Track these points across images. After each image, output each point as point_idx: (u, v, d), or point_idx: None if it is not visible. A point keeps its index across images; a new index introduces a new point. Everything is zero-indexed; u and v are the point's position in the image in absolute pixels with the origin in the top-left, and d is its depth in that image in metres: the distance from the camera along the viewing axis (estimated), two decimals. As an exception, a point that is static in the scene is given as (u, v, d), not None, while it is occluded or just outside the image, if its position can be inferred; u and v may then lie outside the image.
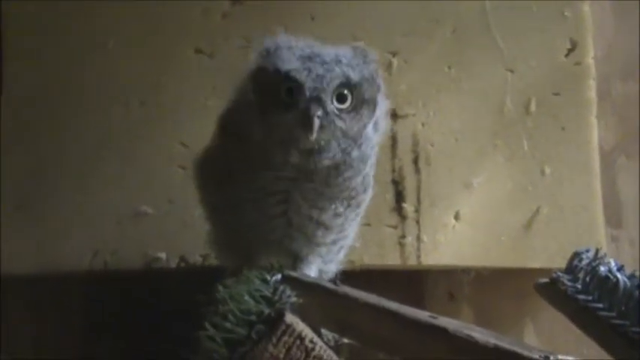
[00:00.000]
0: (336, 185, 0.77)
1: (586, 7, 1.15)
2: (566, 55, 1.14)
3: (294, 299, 0.62)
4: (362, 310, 0.63)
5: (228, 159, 0.80)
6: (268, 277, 0.70)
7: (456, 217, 1.11)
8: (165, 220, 1.09)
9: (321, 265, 0.84)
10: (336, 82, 0.72)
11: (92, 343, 1.12)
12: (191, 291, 0.95)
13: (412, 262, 1.10)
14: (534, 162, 1.13)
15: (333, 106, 0.72)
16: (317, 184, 0.76)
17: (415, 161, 1.12)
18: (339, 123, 0.73)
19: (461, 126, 1.13)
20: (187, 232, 1.07)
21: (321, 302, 0.66)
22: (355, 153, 0.76)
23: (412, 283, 1.17)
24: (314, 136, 0.71)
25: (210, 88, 1.12)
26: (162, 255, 1.08)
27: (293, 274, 0.70)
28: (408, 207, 1.11)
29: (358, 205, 0.82)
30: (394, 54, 1.14)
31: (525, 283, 1.16)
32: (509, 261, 1.12)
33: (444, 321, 0.61)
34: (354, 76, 0.73)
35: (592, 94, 1.14)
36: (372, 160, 0.81)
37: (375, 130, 0.79)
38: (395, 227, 1.10)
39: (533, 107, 1.13)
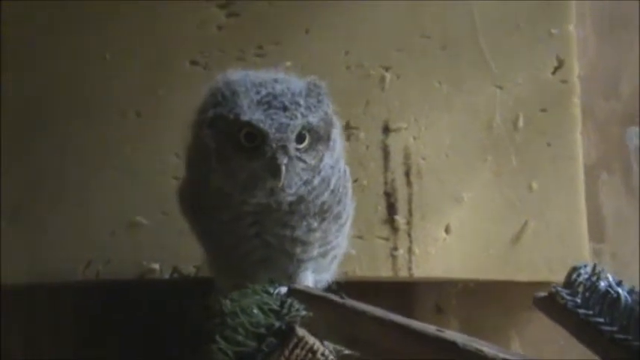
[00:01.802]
0: (300, 210, 0.79)
1: (571, 27, 1.18)
2: (553, 73, 1.17)
3: (303, 312, 0.63)
4: (370, 323, 0.64)
5: (195, 191, 0.83)
6: (272, 290, 0.71)
7: (447, 230, 1.13)
8: (160, 231, 1.09)
9: (316, 276, 0.86)
10: (298, 129, 0.74)
11: (85, 353, 1.11)
12: (184, 302, 0.96)
13: (404, 274, 1.11)
14: (522, 177, 1.15)
15: (293, 148, 0.75)
16: (281, 213, 0.79)
17: (407, 174, 1.14)
18: (300, 162, 0.76)
19: (451, 141, 1.15)
20: (181, 243, 1.06)
21: (327, 315, 0.67)
22: (316, 181, 0.78)
23: (401, 295, 1.19)
24: (282, 182, 0.74)
25: (205, 100, 1.13)
26: (156, 266, 1.08)
27: (299, 287, 0.71)
28: (400, 219, 1.12)
29: (338, 216, 0.84)
30: (387, 69, 1.15)
31: (511, 295, 1.20)
32: (497, 274, 1.14)
33: (450, 334, 0.62)
34: (313, 120, 0.75)
35: (577, 111, 1.17)
36: (339, 174, 0.83)
37: (332, 149, 0.80)
38: (387, 239, 1.12)
39: (521, 123, 1.16)
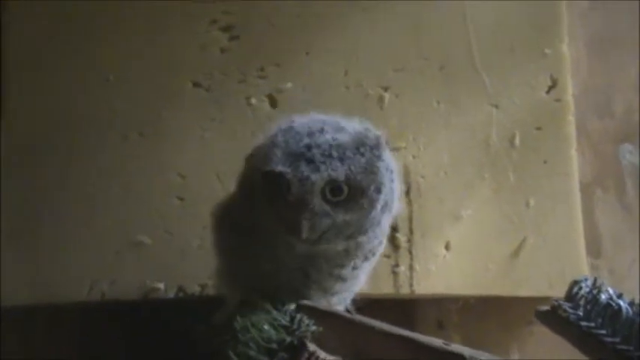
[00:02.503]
0: (350, 255, 0.79)
1: (564, 47, 1.21)
2: (547, 92, 1.19)
3: (314, 328, 0.64)
4: (378, 337, 0.65)
5: (249, 217, 0.80)
6: (281, 307, 0.72)
7: (447, 247, 1.14)
8: (164, 250, 1.09)
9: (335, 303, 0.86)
10: (321, 182, 0.71)
11: (90, 374, 1.12)
12: (189, 321, 0.96)
13: (405, 290, 1.13)
14: (520, 194, 1.17)
15: (322, 203, 0.72)
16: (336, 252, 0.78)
17: (407, 193, 1.15)
18: (332, 218, 0.73)
19: (450, 159, 1.17)
20: (185, 262, 1.08)
21: (336, 330, 0.68)
22: (362, 238, 0.77)
23: (403, 311, 1.20)
24: (304, 235, 0.73)
25: (207, 121, 1.15)
26: (161, 285, 1.09)
27: (308, 303, 0.72)
28: (401, 237, 1.14)
29: (374, 255, 0.84)
30: (386, 89, 1.18)
31: (511, 311, 1.21)
32: (496, 289, 1.15)
33: (457, 347, 0.63)
34: (341, 175, 0.71)
35: (571, 129, 1.19)
36: (385, 227, 0.82)
37: (387, 211, 0.79)
38: (388, 257, 1.13)
39: (517, 141, 1.18)
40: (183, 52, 1.16)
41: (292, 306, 0.71)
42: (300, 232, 0.72)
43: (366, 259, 0.82)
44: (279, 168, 0.71)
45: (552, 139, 1.19)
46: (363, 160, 0.73)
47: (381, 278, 1.12)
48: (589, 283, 0.73)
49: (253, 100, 1.16)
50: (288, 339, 0.62)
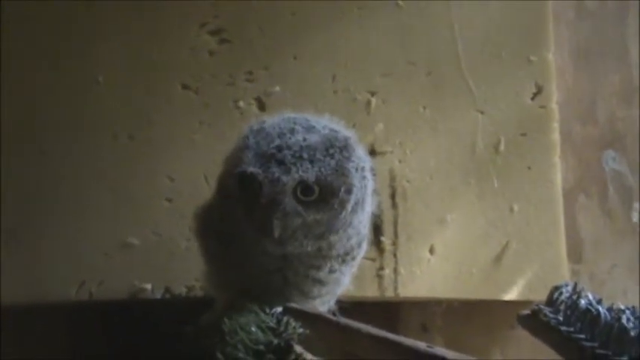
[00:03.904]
0: (324, 256, 0.80)
1: (549, 55, 1.23)
2: (532, 99, 1.21)
3: (301, 330, 0.65)
4: (364, 340, 0.67)
5: (226, 220, 0.81)
6: (268, 310, 0.73)
7: (431, 251, 1.16)
8: (152, 252, 1.10)
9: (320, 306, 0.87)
10: (292, 183, 0.73)
11: (77, 374, 1.12)
12: (176, 321, 0.97)
13: (390, 293, 1.14)
14: (503, 199, 1.18)
15: (293, 202, 0.73)
16: (311, 253, 0.79)
17: (392, 196, 1.16)
18: (303, 217, 0.74)
19: (435, 164, 1.18)
20: (173, 264, 1.08)
21: (322, 333, 0.69)
22: (333, 238, 0.79)
23: (387, 314, 1.21)
24: (275, 235, 0.73)
25: (196, 123, 1.16)
26: (148, 286, 1.09)
27: (294, 305, 0.73)
28: (386, 240, 1.15)
29: (353, 259, 0.85)
30: (373, 94, 1.19)
31: (494, 314, 1.23)
32: (480, 293, 1.17)
33: (440, 350, 0.65)
34: (311, 175, 0.73)
35: (556, 136, 1.21)
36: (361, 225, 0.83)
37: (358, 210, 0.80)
38: (373, 260, 1.14)
39: (502, 147, 1.19)
40: (173, 54, 1.17)
41: (279, 309, 0.72)
42: (271, 231, 0.73)
43: (343, 262, 0.82)
44: (251, 169, 0.72)
45: (536, 146, 1.20)
46: (332, 161, 0.74)
47: (366, 281, 1.13)
48: (569, 288, 0.74)
49: (241, 103, 1.17)
50: (276, 341, 0.63)
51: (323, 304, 0.87)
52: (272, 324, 0.67)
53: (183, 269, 1.03)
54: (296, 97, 1.17)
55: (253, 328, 0.65)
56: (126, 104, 1.16)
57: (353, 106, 1.18)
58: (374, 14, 1.20)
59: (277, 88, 1.17)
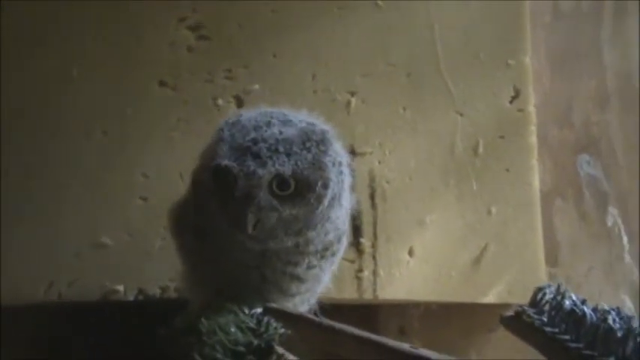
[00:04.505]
0: (301, 252, 0.79)
1: (527, 59, 1.23)
2: (510, 102, 1.21)
3: (282, 331, 0.64)
4: (347, 341, 0.65)
5: (201, 214, 0.80)
6: (247, 310, 0.71)
7: (410, 252, 1.15)
8: (124, 252, 1.08)
9: (299, 305, 0.86)
10: (268, 177, 0.72)
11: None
12: (149, 323, 0.94)
13: (369, 295, 1.13)
14: (482, 201, 1.18)
15: (269, 197, 0.72)
16: (287, 249, 0.78)
17: (372, 197, 1.16)
18: (279, 212, 0.73)
19: (415, 165, 1.18)
20: (146, 264, 1.06)
21: (304, 333, 0.67)
22: (311, 234, 0.77)
23: (365, 317, 1.20)
24: (250, 229, 0.72)
25: (174, 121, 1.14)
26: (120, 287, 1.07)
27: (274, 306, 0.71)
28: (365, 242, 1.14)
29: (333, 254, 0.83)
30: (352, 94, 1.18)
31: (472, 317, 1.22)
32: (459, 296, 1.16)
33: (424, 351, 0.64)
34: (287, 169, 0.72)
35: (533, 139, 1.21)
36: (340, 220, 0.82)
37: (336, 205, 0.79)
38: (352, 262, 1.13)
39: (481, 149, 1.19)
40: (150, 49, 1.15)
41: (259, 309, 0.70)
42: (245, 226, 0.72)
43: (322, 257, 0.81)
44: (225, 162, 0.71)
45: (514, 148, 1.20)
46: (309, 155, 0.73)
47: (345, 283, 1.12)
48: (553, 289, 0.74)
49: (220, 101, 1.15)
50: (256, 342, 0.61)
51: (303, 302, 0.86)
52: (252, 324, 0.65)
53: (158, 270, 1.01)
54: (275, 95, 1.15)
55: (232, 329, 0.63)
56: (101, 99, 1.13)
57: (333, 106, 1.17)
58: (354, 14, 1.19)
59: (256, 87, 1.15)
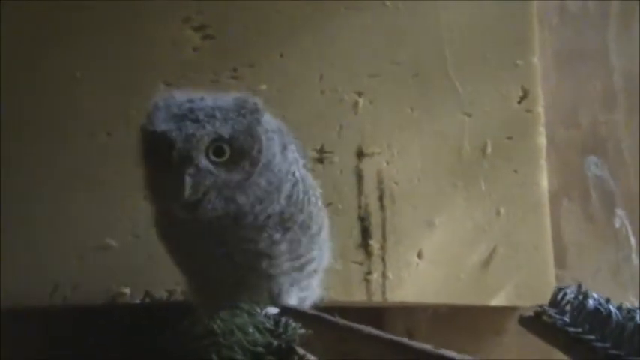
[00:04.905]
0: (247, 223, 0.78)
1: (535, 59, 1.22)
2: (519, 102, 1.20)
3: (302, 331, 0.62)
4: (367, 341, 0.64)
5: (157, 216, 0.84)
6: (259, 310, 0.70)
7: (419, 255, 1.14)
8: (130, 254, 1.06)
9: (298, 293, 0.85)
10: (207, 139, 0.73)
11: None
12: (156, 327, 0.93)
13: (377, 298, 1.11)
14: (490, 202, 1.17)
15: (206, 161, 0.74)
16: (238, 227, 0.78)
17: (380, 199, 1.14)
18: (215, 177, 0.74)
19: (422, 166, 1.16)
20: (153, 266, 1.04)
21: (321, 334, 0.66)
22: (242, 199, 0.77)
23: (372, 320, 1.17)
24: (187, 192, 0.73)
25: (178, 121, 1.12)
26: (127, 290, 1.06)
27: (291, 305, 0.70)
28: (374, 244, 1.12)
29: (305, 227, 0.83)
30: (360, 94, 1.17)
31: (480, 320, 1.21)
32: (468, 298, 1.15)
33: (447, 352, 0.62)
34: (225, 132, 0.74)
35: (542, 139, 1.20)
36: (292, 181, 0.82)
37: (265, 172, 0.79)
38: (361, 264, 1.12)
39: (489, 150, 1.18)
40: (155, 49, 1.14)
41: (272, 310, 0.69)
42: (183, 189, 0.73)
43: (286, 229, 0.81)
44: (163, 127, 0.73)
45: (523, 149, 1.19)
46: (244, 121, 0.76)
47: (354, 285, 1.11)
48: (573, 289, 0.73)
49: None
50: (275, 342, 0.60)
51: (300, 281, 0.85)
52: (269, 325, 0.63)
53: (164, 272, 0.98)
54: (282, 96, 1.14)
55: (250, 329, 0.61)
56: (105, 101, 1.12)
57: (340, 106, 1.16)
58: (361, 14, 1.18)
59: (263, 87, 1.14)
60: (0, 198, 1.07)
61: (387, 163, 1.15)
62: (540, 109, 1.21)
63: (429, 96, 1.18)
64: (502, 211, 1.17)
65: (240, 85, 1.13)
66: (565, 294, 0.72)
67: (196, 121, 0.73)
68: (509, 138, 1.19)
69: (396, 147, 1.16)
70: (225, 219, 0.77)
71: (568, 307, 0.70)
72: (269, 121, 0.81)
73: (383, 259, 1.12)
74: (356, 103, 1.16)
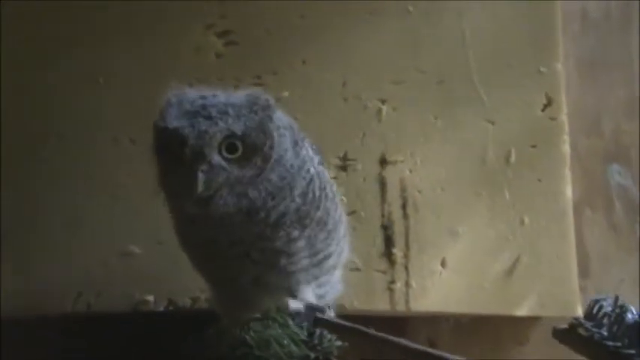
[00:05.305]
0: (259, 220, 0.78)
1: (559, 66, 1.21)
2: (542, 110, 1.19)
3: (339, 343, 0.61)
4: (402, 353, 0.63)
5: (175, 221, 0.84)
6: (290, 321, 0.69)
7: (443, 263, 1.13)
8: (154, 261, 1.06)
9: (316, 290, 0.85)
10: (219, 136, 0.73)
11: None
12: (180, 335, 0.92)
13: (401, 307, 1.10)
14: (514, 211, 1.16)
15: (219, 158, 0.74)
16: (252, 225, 0.78)
17: (403, 207, 1.13)
18: (228, 173, 0.75)
19: (446, 174, 1.15)
20: (177, 274, 1.03)
21: (357, 346, 0.65)
22: (254, 194, 0.77)
23: (394, 329, 1.16)
24: (199, 189, 0.73)
25: (202, 128, 1.11)
26: (150, 297, 1.05)
27: (324, 317, 0.69)
28: (397, 252, 1.11)
29: (322, 222, 0.83)
30: (383, 101, 1.16)
31: (502, 330, 1.20)
32: (491, 308, 1.13)
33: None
34: (238, 129, 0.74)
35: (566, 148, 1.19)
36: (307, 178, 0.81)
37: (277, 167, 0.78)
38: (384, 272, 1.10)
39: (513, 158, 1.17)
40: (178, 55, 1.13)
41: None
42: (195, 186, 0.72)
43: (304, 226, 0.81)
44: (175, 124, 0.73)
45: (547, 158, 1.18)
46: (256, 118, 0.76)
47: (377, 294, 1.10)
48: (610, 301, 0.72)
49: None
50: (313, 355, 0.59)
51: (320, 276, 0.85)
52: (303, 336, 0.62)
53: (188, 280, 0.97)
54: (305, 103, 1.13)
55: (285, 341, 0.60)
56: (128, 106, 1.11)
57: (363, 114, 1.15)
58: (384, 20, 1.17)
59: (286, 94, 1.13)
60: (22, 205, 1.07)
61: (410, 171, 1.14)
62: (564, 117, 1.19)
63: (453, 104, 1.17)
64: (526, 220, 1.16)
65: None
66: (601, 306, 0.71)
67: (209, 117, 0.73)
68: (533, 146, 1.18)
69: (419, 155, 1.15)
70: (237, 215, 0.77)
71: (605, 321, 0.69)
72: (280, 117, 0.81)
73: (406, 268, 1.11)
74: (379, 111, 1.15)
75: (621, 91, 1.35)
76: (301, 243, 0.81)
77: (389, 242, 1.11)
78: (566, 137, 1.19)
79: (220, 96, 0.77)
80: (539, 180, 1.17)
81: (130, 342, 1.05)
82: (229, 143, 0.74)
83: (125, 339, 1.05)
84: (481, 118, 1.17)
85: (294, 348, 0.60)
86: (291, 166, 0.80)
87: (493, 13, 1.19)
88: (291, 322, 0.65)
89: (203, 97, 0.76)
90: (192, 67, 1.13)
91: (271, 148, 0.77)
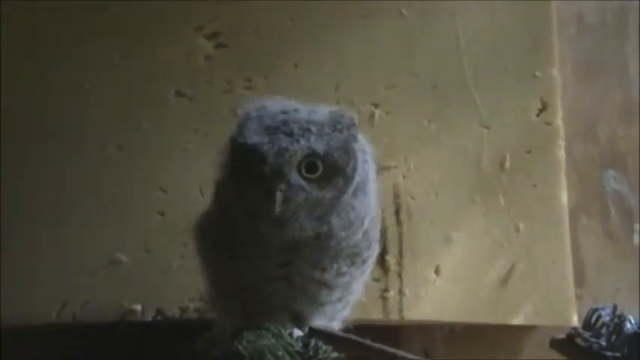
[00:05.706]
0: (331, 249, 0.75)
1: (555, 71, 1.19)
2: (537, 115, 1.17)
3: (335, 354, 0.59)
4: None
5: (223, 225, 0.78)
6: (284, 331, 0.67)
7: (437, 271, 1.11)
8: (142, 270, 1.04)
9: (324, 323, 0.81)
10: (300, 154, 0.70)
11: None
12: (168, 346, 0.90)
13: (395, 316, 1.08)
14: (509, 218, 1.14)
15: (298, 177, 0.70)
16: (313, 251, 0.75)
17: (397, 213, 1.11)
18: (307, 193, 0.71)
19: (440, 180, 1.13)
20: (165, 283, 1.02)
21: (352, 357, 0.63)
22: (335, 220, 0.74)
23: (388, 338, 1.14)
24: (278, 208, 0.70)
25: (191, 132, 1.10)
26: (138, 307, 1.03)
27: (319, 328, 0.67)
28: (391, 260, 1.10)
29: (364, 262, 0.80)
30: (376, 105, 1.14)
31: (497, 339, 1.18)
32: (486, 317, 1.12)
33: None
34: (320, 148, 0.70)
35: (561, 153, 1.17)
36: (372, 215, 0.79)
37: (360, 193, 0.76)
38: (378, 280, 1.08)
39: (507, 164, 1.15)
40: (166, 58, 1.11)
41: (297, 332, 0.66)
42: (274, 205, 0.69)
43: (353, 264, 0.78)
44: (255, 139, 0.69)
45: (542, 163, 1.16)
46: (341, 136, 0.72)
47: (370, 303, 1.07)
48: (608, 311, 0.70)
49: (239, 112, 1.10)
50: (308, 366, 0.57)
51: (334, 313, 0.82)
52: (298, 348, 0.60)
53: (177, 289, 0.96)
54: (296, 107, 1.11)
55: (280, 352, 0.58)
56: (115, 112, 1.09)
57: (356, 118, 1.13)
58: (377, 23, 1.16)
59: (277, 97, 1.11)
60: (5, 211, 1.05)
61: (404, 177, 1.13)
62: (560, 122, 1.18)
63: (447, 108, 1.15)
64: (521, 226, 1.14)
65: (254, 96, 1.11)
66: (600, 316, 0.70)
67: (290, 134, 0.70)
68: (528, 152, 1.16)
69: (412, 160, 1.13)
70: (310, 240, 0.73)
71: (604, 330, 0.68)
72: (364, 141, 0.78)
73: (400, 276, 1.09)
74: (372, 115, 1.14)
75: (617, 96, 1.33)
76: (345, 279, 0.78)
77: (382, 249, 1.09)
78: (561, 142, 1.18)
79: (302, 111, 0.73)
80: (535, 186, 1.16)
81: (117, 353, 1.03)
82: (309, 162, 0.70)
83: (112, 349, 1.04)
84: (476, 123, 1.16)
85: (287, 359, 0.58)
86: (372, 196, 0.78)
87: (488, 16, 1.18)
88: (283, 332, 0.63)
89: (285, 112, 0.72)
90: (182, 70, 1.12)
91: (354, 169, 0.74)
